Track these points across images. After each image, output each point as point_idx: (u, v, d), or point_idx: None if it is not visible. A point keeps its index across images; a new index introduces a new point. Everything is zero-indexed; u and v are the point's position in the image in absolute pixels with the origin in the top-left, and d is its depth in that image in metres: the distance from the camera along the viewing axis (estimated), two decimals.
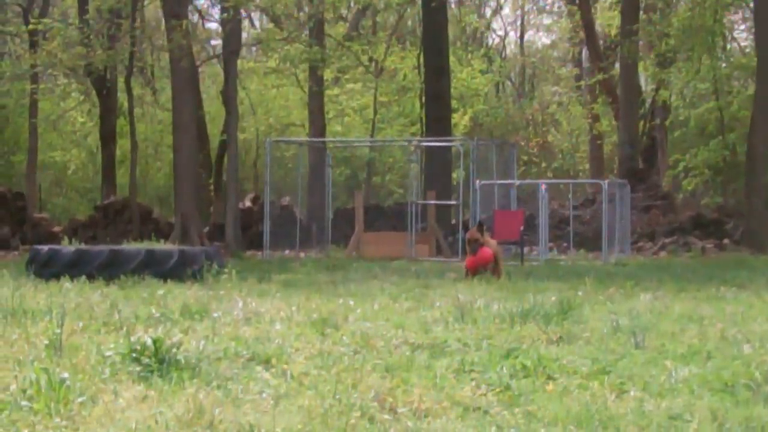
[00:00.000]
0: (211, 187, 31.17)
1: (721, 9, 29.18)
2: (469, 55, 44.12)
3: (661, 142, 34.64)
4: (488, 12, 49.99)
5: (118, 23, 26.60)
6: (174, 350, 5.26)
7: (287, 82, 37.06)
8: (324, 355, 5.86)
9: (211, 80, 41.09)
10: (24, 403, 4.38)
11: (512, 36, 53.06)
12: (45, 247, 13.23)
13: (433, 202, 22.70)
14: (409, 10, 37.64)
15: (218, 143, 31.68)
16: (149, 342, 5.26)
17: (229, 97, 23.51)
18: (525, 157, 41.93)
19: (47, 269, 12.31)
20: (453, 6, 40.55)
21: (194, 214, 23.01)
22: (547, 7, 48.60)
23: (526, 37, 52.04)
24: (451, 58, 31.51)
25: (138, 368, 5.14)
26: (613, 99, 33.42)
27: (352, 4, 34.88)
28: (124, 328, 6.82)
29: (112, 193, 29.11)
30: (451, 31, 34.95)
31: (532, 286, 11.44)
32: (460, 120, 39.73)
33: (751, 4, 27.53)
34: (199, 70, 32.36)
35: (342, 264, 17.65)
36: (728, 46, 36.49)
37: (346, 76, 38.36)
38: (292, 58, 28.51)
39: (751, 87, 29.90)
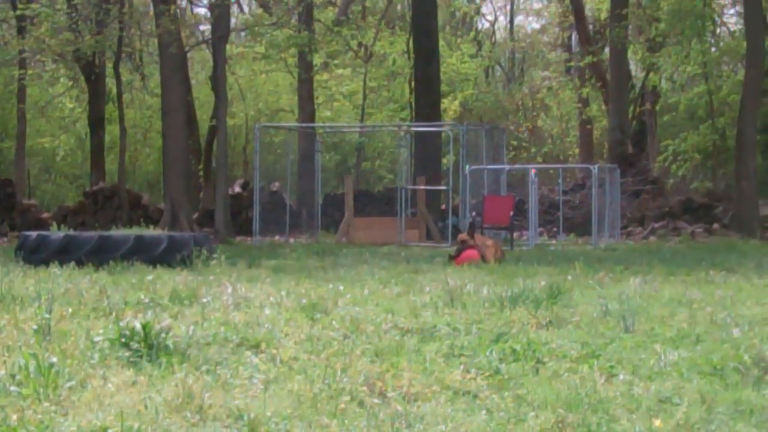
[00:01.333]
0: (201, 173, 31.10)
1: None
2: (459, 40, 44.03)
3: (651, 127, 34.68)
4: None
5: (106, 8, 26.39)
6: (163, 335, 5.26)
7: (276, 68, 36.93)
8: (313, 339, 5.86)
9: (200, 66, 40.89)
10: (13, 388, 4.37)
11: (502, 20, 53.05)
12: (34, 234, 13.20)
13: (422, 187, 22.67)
14: None
15: (207, 129, 31.58)
16: (138, 327, 5.25)
17: (218, 82, 23.41)
18: (515, 142, 41.91)
19: (36, 255, 12.29)
20: None
21: (184, 200, 22.95)
22: None
23: (515, 21, 52.02)
24: (441, 43, 31.43)
25: (127, 353, 5.13)
26: (602, 83, 33.42)
27: None
28: (113, 314, 6.81)
29: (101, 179, 29.01)
30: (441, 15, 34.86)
31: (522, 270, 11.45)
32: (450, 105, 39.68)
33: None
34: (188, 55, 32.17)
35: (332, 249, 17.65)
36: (718, 31, 36.48)
37: (336, 62, 38.26)
38: (279, 44, 28.36)
39: (740, 71, 29.94)
